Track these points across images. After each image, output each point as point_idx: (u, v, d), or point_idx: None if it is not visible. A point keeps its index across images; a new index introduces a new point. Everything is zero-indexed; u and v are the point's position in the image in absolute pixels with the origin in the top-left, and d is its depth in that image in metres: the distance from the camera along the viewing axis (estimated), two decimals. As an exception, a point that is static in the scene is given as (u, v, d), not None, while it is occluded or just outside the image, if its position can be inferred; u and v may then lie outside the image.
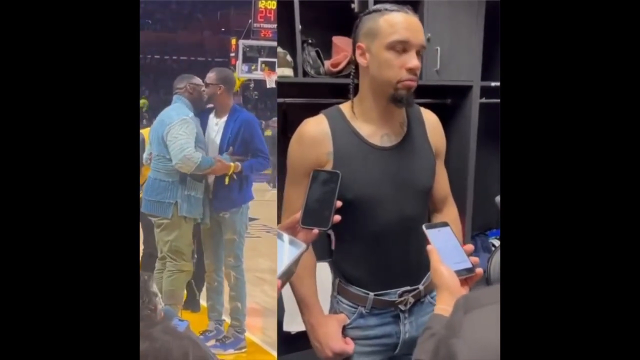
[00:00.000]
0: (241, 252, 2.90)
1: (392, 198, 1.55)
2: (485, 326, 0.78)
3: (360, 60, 1.52)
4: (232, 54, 11.64)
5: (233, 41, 11.76)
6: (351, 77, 1.61)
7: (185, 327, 1.69)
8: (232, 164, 2.81)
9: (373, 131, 1.55)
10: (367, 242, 1.60)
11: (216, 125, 2.91)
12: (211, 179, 2.88)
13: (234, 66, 10.85)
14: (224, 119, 2.90)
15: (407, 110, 1.61)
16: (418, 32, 1.45)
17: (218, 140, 2.88)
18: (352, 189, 1.50)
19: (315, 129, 1.56)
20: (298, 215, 1.24)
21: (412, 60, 1.44)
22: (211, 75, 2.91)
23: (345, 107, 1.61)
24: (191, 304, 3.49)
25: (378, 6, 1.50)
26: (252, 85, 11.56)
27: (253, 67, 10.05)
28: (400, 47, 1.43)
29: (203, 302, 3.44)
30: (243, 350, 2.94)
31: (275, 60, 9.19)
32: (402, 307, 1.63)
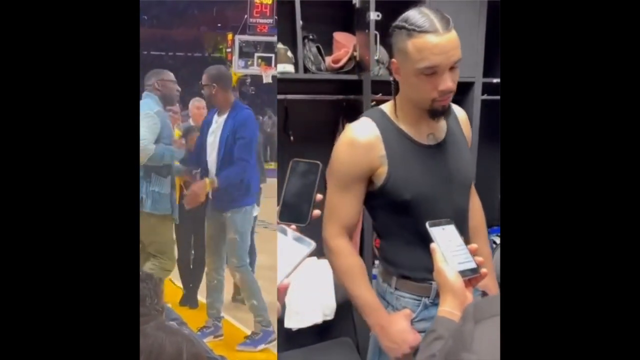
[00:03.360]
0: (244, 253, 2.85)
1: (445, 194, 1.56)
2: (498, 339, 0.76)
3: (396, 76, 1.52)
4: (229, 50, 11.59)
5: (229, 37, 11.71)
6: (392, 79, 1.58)
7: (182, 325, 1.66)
8: (207, 179, 2.77)
9: (419, 131, 1.56)
10: (424, 239, 1.51)
11: (216, 123, 2.85)
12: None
13: (231, 61, 10.81)
14: (224, 116, 2.82)
15: None
16: (450, 52, 1.38)
17: (217, 139, 2.82)
18: (409, 189, 1.52)
19: (366, 133, 1.54)
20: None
21: (444, 83, 1.41)
22: (204, 76, 2.85)
23: (387, 107, 1.60)
24: (189, 300, 3.50)
25: (408, 18, 1.41)
26: (248, 80, 11.52)
27: (249, 62, 9.98)
28: (430, 71, 1.39)
29: (201, 299, 3.45)
30: (274, 342, 2.92)
31: (271, 55, 9.01)
32: None
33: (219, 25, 15.04)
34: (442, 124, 1.61)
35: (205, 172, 2.87)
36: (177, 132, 3.44)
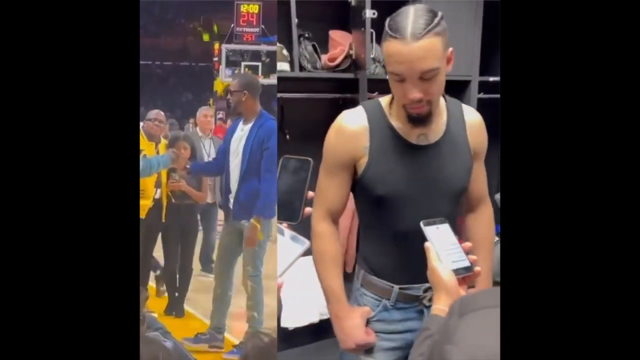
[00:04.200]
0: (260, 262, 2.84)
1: (423, 197, 1.52)
2: (480, 331, 0.77)
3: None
4: (216, 59, 11.58)
5: (216, 45, 11.71)
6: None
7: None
8: (253, 222, 2.75)
9: (410, 129, 1.50)
10: (395, 238, 1.57)
11: (242, 131, 2.84)
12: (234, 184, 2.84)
13: (218, 70, 10.81)
14: (250, 125, 2.81)
15: (448, 109, 1.57)
16: (415, 62, 1.31)
17: (241, 147, 2.81)
18: (385, 185, 1.50)
19: (354, 123, 1.53)
20: None
21: (411, 92, 1.35)
22: (234, 82, 2.86)
23: (385, 101, 1.57)
24: (174, 309, 3.47)
25: (392, 17, 1.37)
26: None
27: (236, 71, 10.00)
28: (397, 78, 1.36)
29: (187, 308, 3.50)
30: (218, 349, 2.95)
31: (258, 64, 8.97)
32: (426, 302, 1.60)
33: (207, 34, 15.07)
34: (439, 125, 1.54)
35: (227, 178, 2.88)
36: (163, 142, 3.44)
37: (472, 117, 1.63)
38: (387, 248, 1.59)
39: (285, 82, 2.85)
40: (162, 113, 3.52)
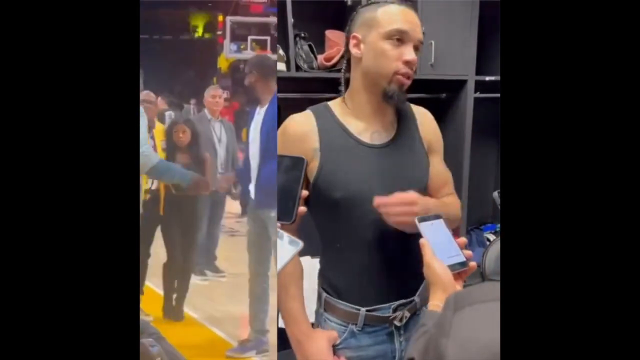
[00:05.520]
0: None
1: None
2: (475, 325, 0.78)
3: (354, 51, 1.45)
4: (219, 32, 11.26)
5: (220, 18, 11.39)
6: (342, 70, 1.53)
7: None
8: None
9: (363, 128, 1.47)
10: (357, 247, 1.47)
11: (258, 115, 2.73)
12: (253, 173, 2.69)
13: (222, 45, 10.43)
14: (265, 107, 2.69)
15: (397, 107, 1.54)
16: (416, 26, 1.41)
17: (258, 131, 2.69)
18: (341, 187, 1.42)
19: (300, 125, 1.47)
20: None
21: (410, 53, 1.39)
22: (247, 64, 2.76)
23: (333, 103, 1.52)
24: (171, 312, 3.26)
25: None
26: (242, 66, 11.24)
27: (242, 47, 9.57)
28: (398, 37, 1.38)
29: (187, 310, 3.31)
30: (265, 353, 2.84)
31: (267, 38, 8.35)
32: (397, 322, 1.51)
33: (210, 4, 14.64)
34: (392, 123, 1.52)
35: (247, 166, 2.76)
36: (158, 127, 3.23)
37: (421, 113, 1.62)
38: (350, 264, 1.50)
39: (281, 82, 2.84)
40: (151, 93, 3.32)
